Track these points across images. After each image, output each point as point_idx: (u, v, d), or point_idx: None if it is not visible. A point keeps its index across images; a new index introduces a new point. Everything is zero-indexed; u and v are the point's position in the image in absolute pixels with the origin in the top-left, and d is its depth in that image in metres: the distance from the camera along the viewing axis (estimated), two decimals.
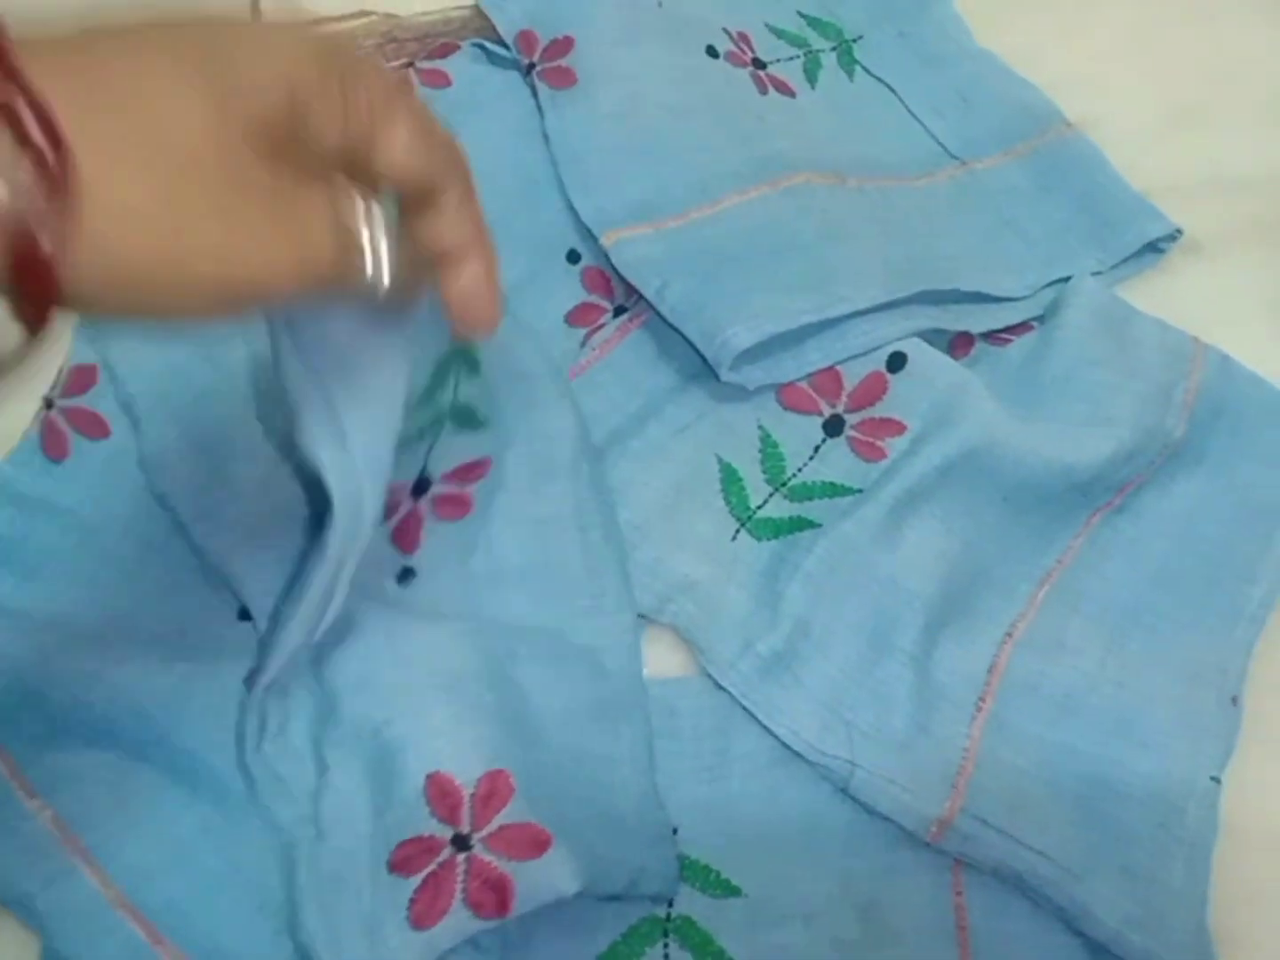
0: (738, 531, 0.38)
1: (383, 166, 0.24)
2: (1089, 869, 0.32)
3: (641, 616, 0.36)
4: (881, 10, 0.52)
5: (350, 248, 0.23)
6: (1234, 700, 0.36)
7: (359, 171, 0.23)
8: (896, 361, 0.40)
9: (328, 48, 0.23)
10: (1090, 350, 0.40)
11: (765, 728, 0.34)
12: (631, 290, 0.41)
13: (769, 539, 0.38)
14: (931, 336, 0.42)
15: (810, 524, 0.38)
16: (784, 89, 0.48)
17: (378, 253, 0.23)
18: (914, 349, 0.40)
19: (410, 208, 0.25)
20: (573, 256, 0.42)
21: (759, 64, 0.48)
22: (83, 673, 0.32)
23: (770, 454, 0.39)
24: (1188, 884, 0.33)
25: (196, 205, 0.20)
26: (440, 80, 0.44)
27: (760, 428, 0.40)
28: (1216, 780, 0.34)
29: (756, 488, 0.39)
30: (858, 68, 0.50)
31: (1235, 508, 0.40)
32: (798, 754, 0.34)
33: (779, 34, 0.50)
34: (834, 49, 0.51)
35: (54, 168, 0.18)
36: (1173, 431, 0.40)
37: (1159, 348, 0.41)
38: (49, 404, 0.38)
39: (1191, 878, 0.33)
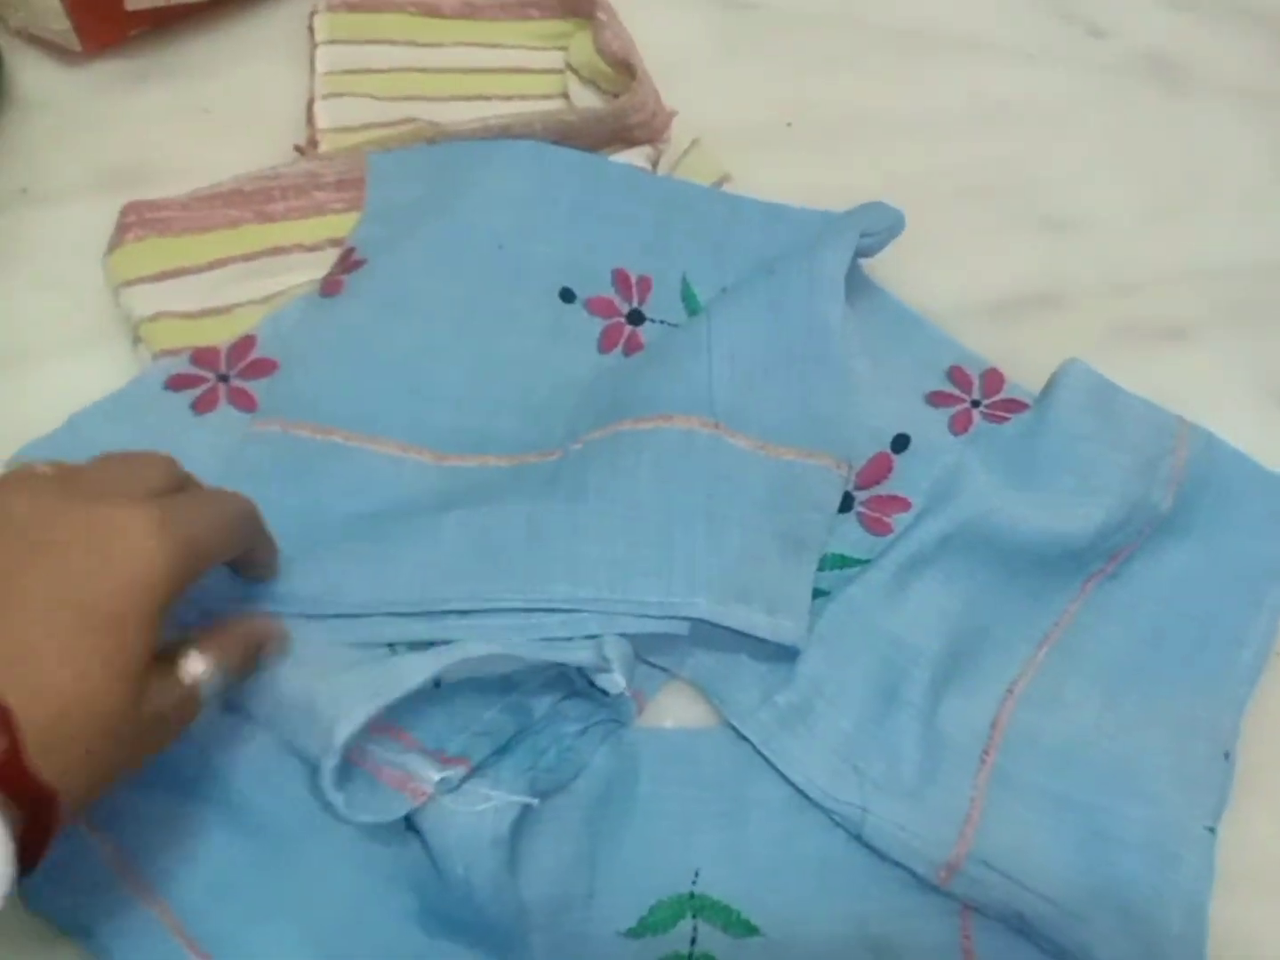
0: None
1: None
2: (1090, 911, 0.34)
3: (663, 669, 0.39)
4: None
5: (191, 702, 0.29)
6: (1226, 755, 0.38)
7: None
8: (900, 443, 0.43)
9: (173, 541, 0.27)
10: (1079, 426, 0.43)
11: (782, 775, 0.36)
12: None
13: None
14: (933, 413, 0.46)
15: (821, 593, 0.40)
16: (634, 348, 0.45)
17: (210, 690, 0.30)
18: (915, 430, 0.43)
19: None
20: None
21: (636, 318, 0.46)
22: None
23: None
24: (1185, 929, 0.34)
25: (107, 756, 0.26)
26: None
27: None
28: (1212, 830, 0.36)
29: None
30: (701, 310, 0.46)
31: (1223, 575, 0.42)
32: (813, 801, 0.36)
33: (688, 297, 0.47)
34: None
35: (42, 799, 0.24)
36: (1160, 504, 0.42)
37: (1145, 424, 0.44)
38: None
39: (1189, 923, 0.34)
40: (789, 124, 0.56)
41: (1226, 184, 0.59)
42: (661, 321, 0.46)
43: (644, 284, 0.46)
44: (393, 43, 0.54)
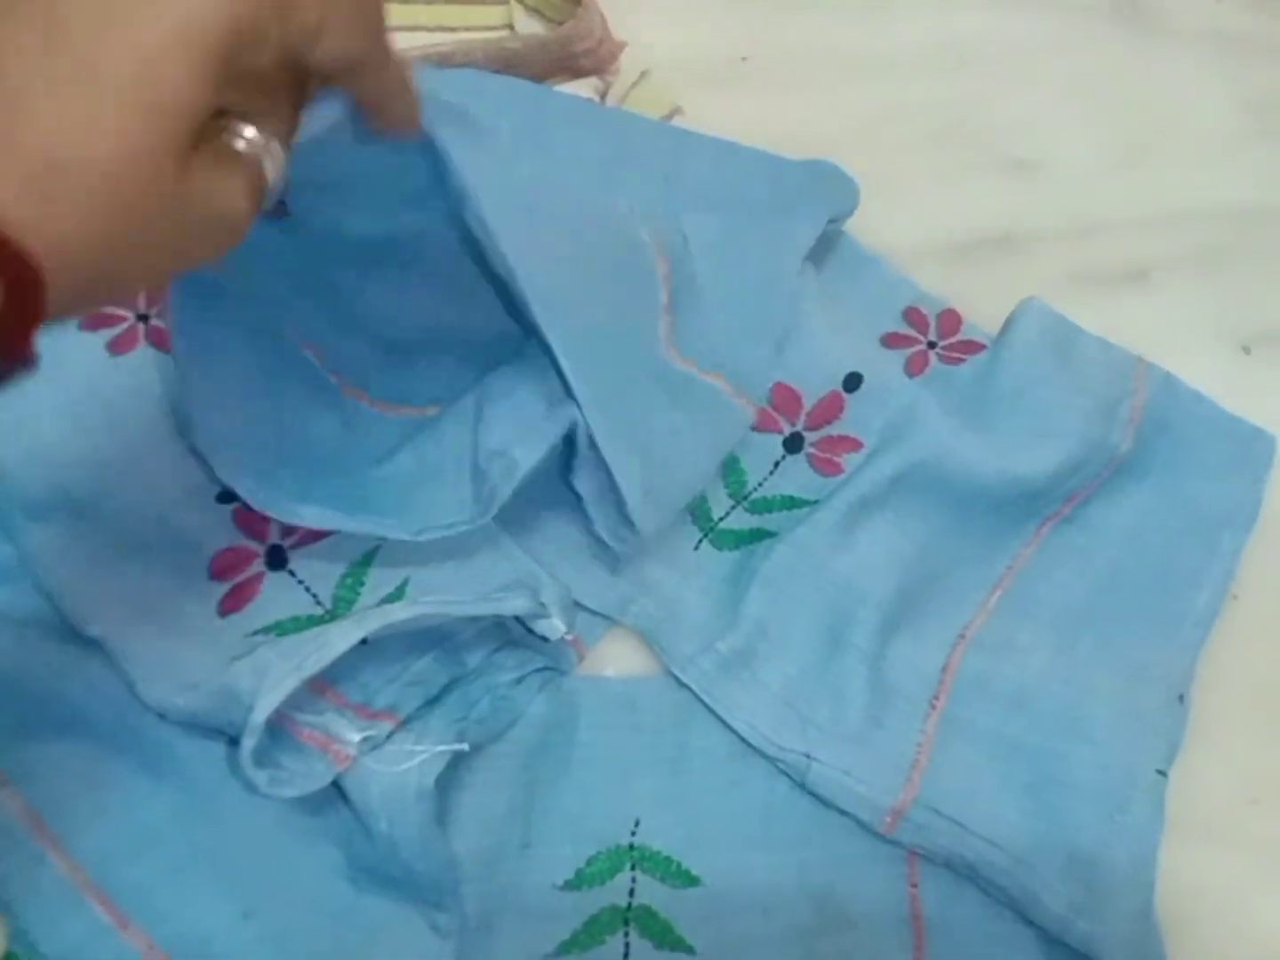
0: (700, 541, 0.39)
1: (322, 64, 0.23)
2: (1038, 858, 0.33)
3: (604, 617, 0.37)
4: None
5: (256, 189, 0.23)
6: (1180, 698, 0.37)
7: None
8: (852, 382, 0.42)
9: None
10: (1037, 368, 0.42)
11: (724, 722, 0.35)
12: None
13: (730, 549, 0.39)
14: (888, 354, 0.44)
15: (769, 534, 0.39)
16: None
17: (278, 178, 0.23)
18: (869, 370, 0.42)
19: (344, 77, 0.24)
20: None
21: None
22: (60, 664, 0.33)
23: (732, 469, 0.41)
24: (1133, 873, 0.33)
25: (131, 242, 0.20)
26: None
27: None
28: (1162, 774, 0.35)
29: (718, 501, 0.40)
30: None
31: (1180, 518, 0.41)
32: (756, 748, 0.35)
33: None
34: None
35: (21, 272, 0.18)
36: (1118, 445, 0.41)
37: (1103, 365, 0.43)
38: None
39: (1136, 867, 0.34)
40: (744, 59, 0.54)
41: (1191, 127, 0.57)
42: None
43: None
44: None
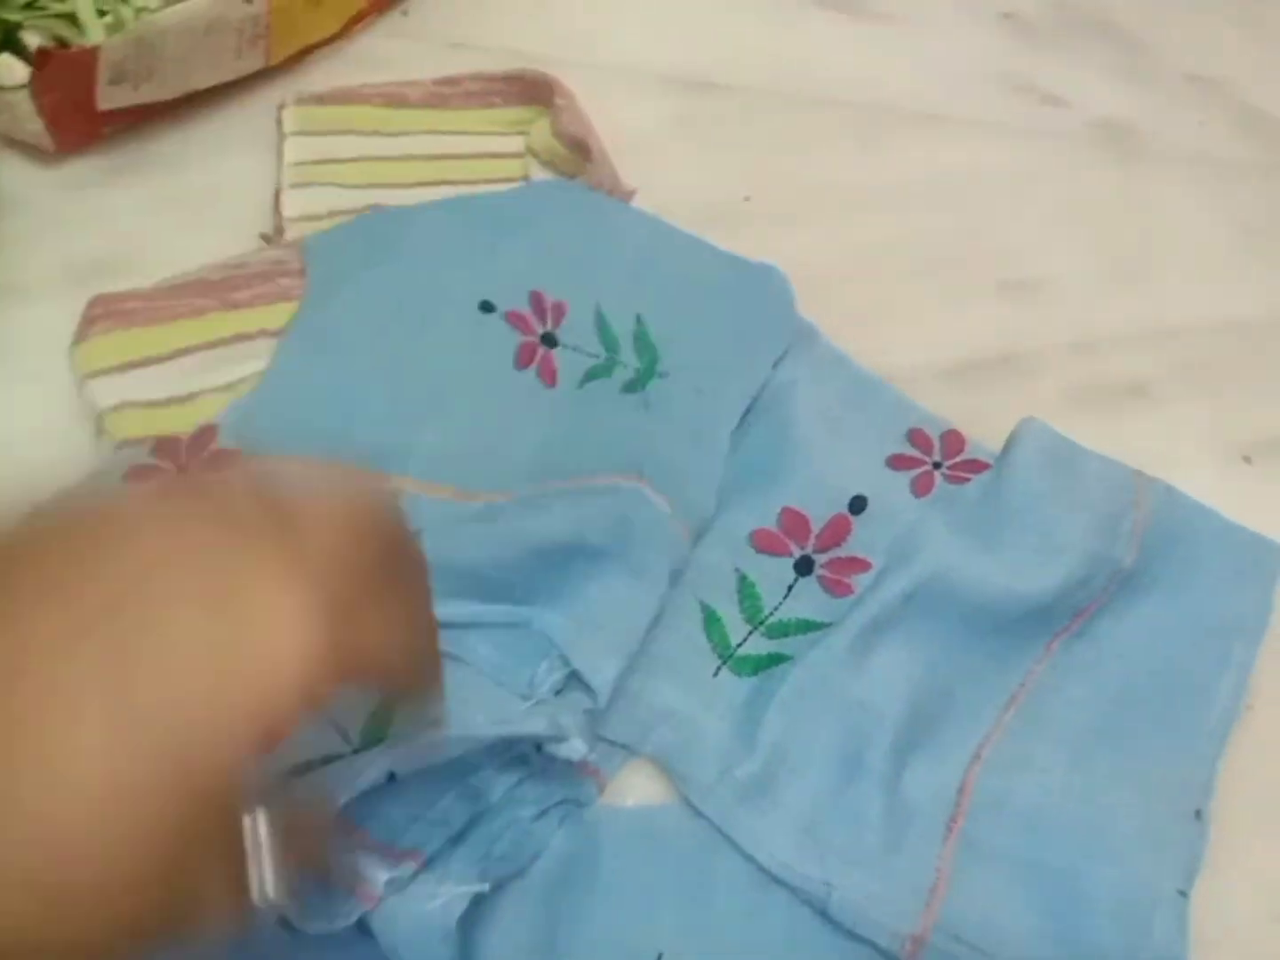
0: (719, 668, 0.40)
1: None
2: None
3: (624, 747, 0.38)
4: (724, 360, 0.47)
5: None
6: (1197, 814, 0.37)
7: None
8: (858, 504, 0.44)
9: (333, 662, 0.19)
10: (1037, 485, 0.43)
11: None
12: None
13: (749, 675, 0.40)
14: (894, 476, 0.46)
15: (785, 659, 0.40)
16: (547, 375, 0.46)
17: (263, 872, 0.21)
18: (874, 492, 0.44)
19: None
20: None
21: (549, 340, 0.47)
22: None
23: (747, 594, 0.42)
24: None
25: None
26: None
27: (736, 570, 0.42)
28: (1183, 894, 0.35)
29: (735, 627, 0.41)
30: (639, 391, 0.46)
31: (1190, 630, 0.42)
32: (777, 877, 0.36)
33: (602, 327, 0.48)
34: (635, 372, 0.47)
35: None
36: (1121, 560, 0.42)
37: (1103, 480, 0.44)
38: None
39: None
40: (747, 198, 0.57)
41: (1182, 247, 0.60)
42: (574, 348, 0.47)
43: (558, 309, 0.48)
44: (359, 133, 0.55)
